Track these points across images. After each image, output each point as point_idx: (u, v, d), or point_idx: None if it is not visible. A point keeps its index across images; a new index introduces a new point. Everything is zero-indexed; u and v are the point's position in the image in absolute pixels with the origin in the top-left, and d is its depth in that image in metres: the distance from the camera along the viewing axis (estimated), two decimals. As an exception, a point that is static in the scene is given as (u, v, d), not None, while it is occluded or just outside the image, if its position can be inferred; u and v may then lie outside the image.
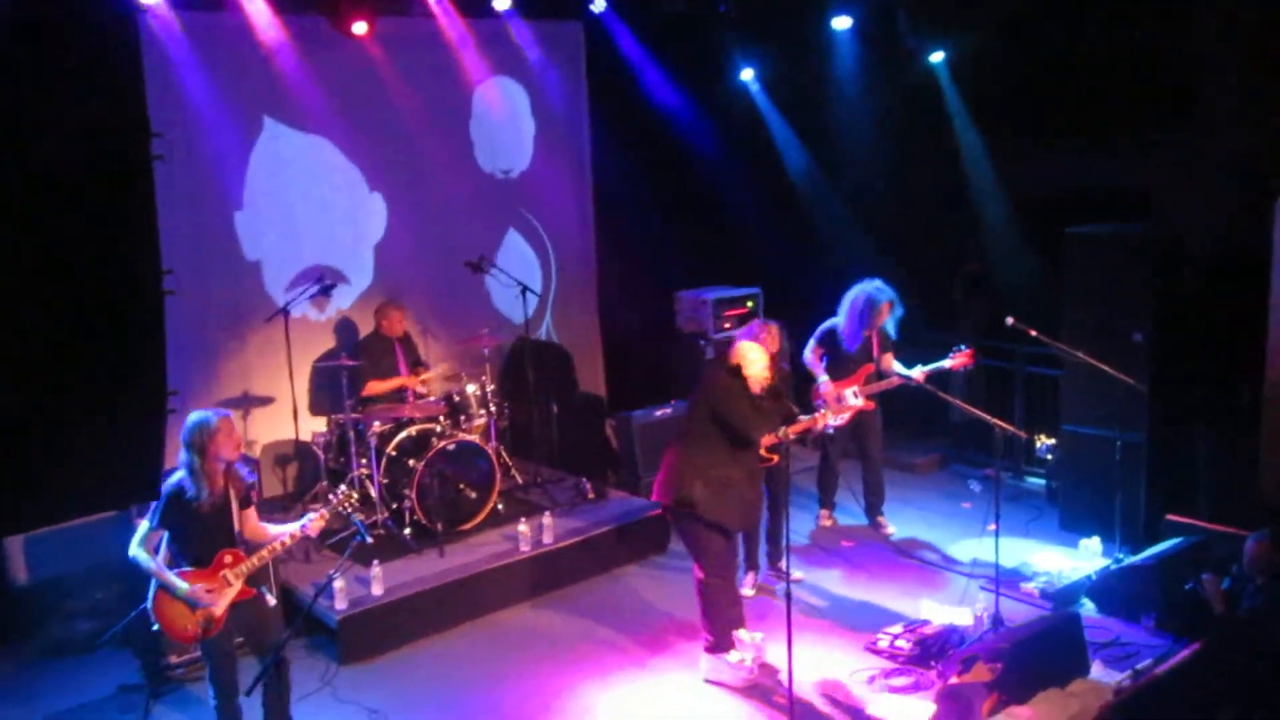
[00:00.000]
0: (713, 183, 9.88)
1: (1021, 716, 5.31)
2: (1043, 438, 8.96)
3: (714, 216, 9.98)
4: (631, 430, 8.44)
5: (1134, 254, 7.47)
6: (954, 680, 5.47)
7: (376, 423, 7.69)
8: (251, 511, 5.28)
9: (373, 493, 7.65)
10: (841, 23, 9.23)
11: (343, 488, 5.59)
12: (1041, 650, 5.68)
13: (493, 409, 8.23)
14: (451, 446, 7.54)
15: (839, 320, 7.73)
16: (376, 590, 6.68)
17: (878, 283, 7.68)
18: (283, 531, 5.28)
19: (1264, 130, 7.24)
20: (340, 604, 6.53)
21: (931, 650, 6.16)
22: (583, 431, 9.53)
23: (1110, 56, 8.14)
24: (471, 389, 8.15)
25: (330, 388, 8.05)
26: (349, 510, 5.31)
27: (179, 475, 5.04)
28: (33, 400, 2.22)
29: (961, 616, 6.52)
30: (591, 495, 8.26)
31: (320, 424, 8.31)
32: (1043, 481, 8.92)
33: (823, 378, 7.63)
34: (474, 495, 7.66)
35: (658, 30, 9.51)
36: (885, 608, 6.90)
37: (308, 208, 8.51)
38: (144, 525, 5.05)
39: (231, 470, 5.14)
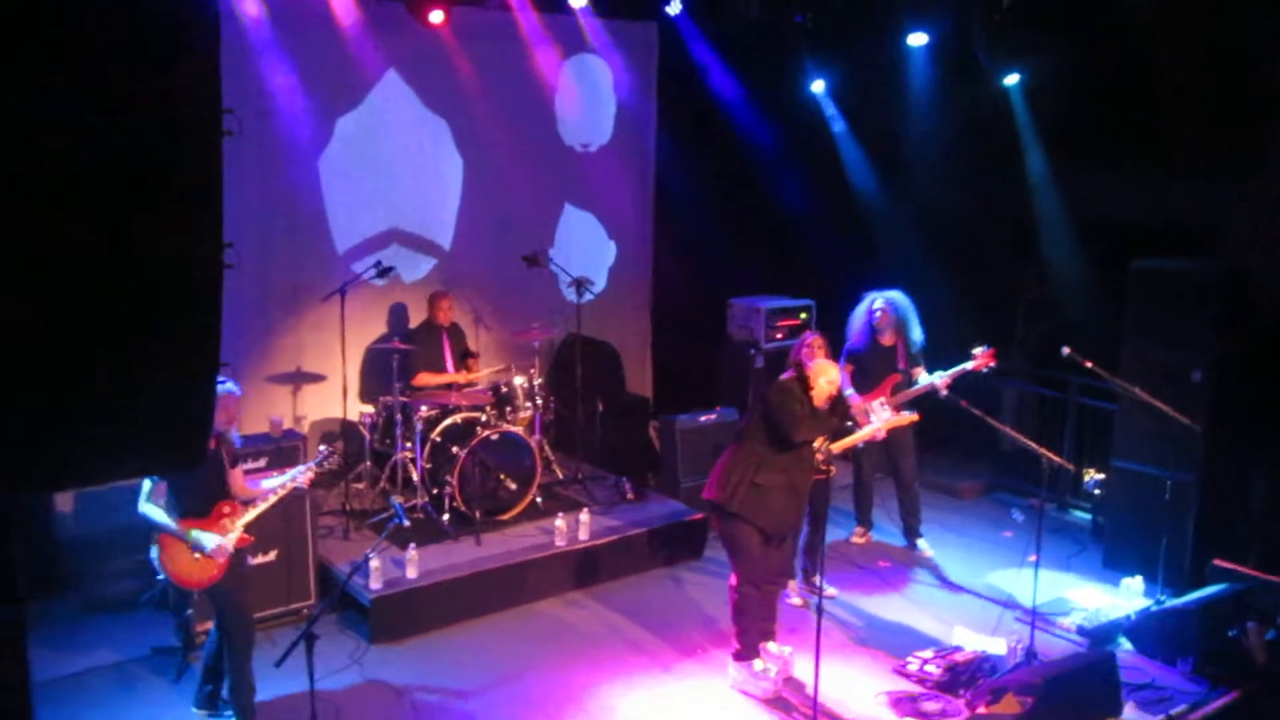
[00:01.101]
0: (775, 192, 9.85)
1: (1048, 752, 5.24)
2: (1091, 471, 8.81)
3: (773, 225, 9.94)
4: (675, 434, 8.43)
5: (1198, 291, 7.33)
6: (982, 710, 5.43)
7: (424, 407, 7.77)
8: (237, 471, 5.60)
9: (415, 476, 7.73)
10: (917, 39, 9.15)
11: (324, 448, 5.91)
12: (1074, 688, 5.59)
13: (539, 402, 8.28)
14: (495, 436, 7.59)
15: (850, 335, 7.84)
16: (411, 573, 6.75)
17: (892, 291, 7.74)
18: (275, 484, 5.65)
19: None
20: (375, 584, 6.60)
21: (961, 678, 6.08)
22: (626, 432, 9.53)
23: (1186, 89, 7.99)
24: (519, 381, 8.20)
25: (381, 370, 8.15)
26: (334, 467, 5.57)
27: None
28: (88, 365, 2.27)
29: (995, 646, 6.45)
30: (630, 496, 8.27)
31: (367, 408, 8.41)
32: (1088, 516, 8.78)
33: (849, 391, 7.59)
34: (514, 486, 7.71)
35: (732, 36, 9.50)
36: (917, 631, 6.84)
37: (378, 186, 8.65)
38: (147, 483, 5.32)
39: (224, 434, 5.45)
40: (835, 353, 7.52)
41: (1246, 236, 7.69)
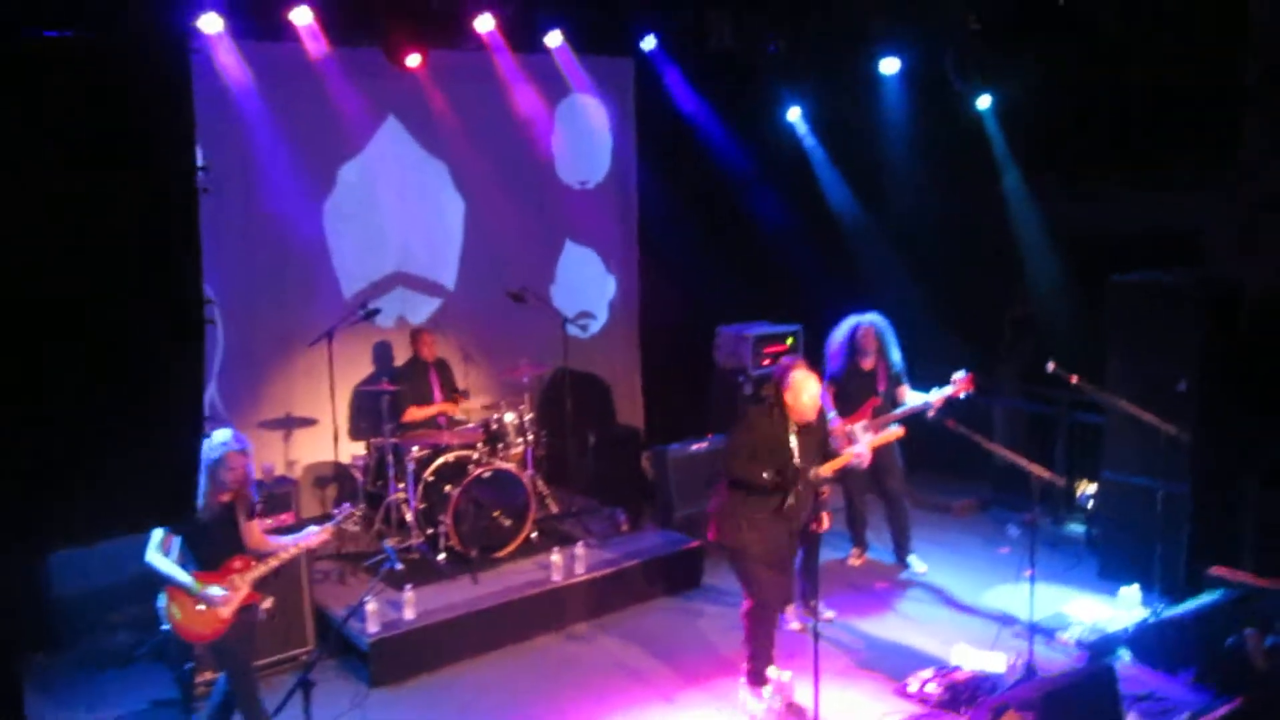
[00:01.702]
0: (757, 220, 9.94)
1: (1051, 768, 5.23)
2: (1084, 484, 8.87)
3: (757, 254, 10.02)
4: (667, 464, 8.46)
5: (1179, 301, 7.40)
6: (984, 728, 5.42)
7: (415, 448, 7.78)
8: (255, 524, 5.54)
9: (409, 517, 7.73)
10: (889, 65, 9.26)
11: (347, 506, 5.86)
12: (1073, 702, 5.58)
13: (530, 437, 8.30)
14: (488, 474, 7.61)
15: (829, 359, 7.84)
16: (409, 614, 6.73)
17: (870, 314, 7.78)
18: (288, 541, 5.58)
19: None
20: (373, 627, 6.59)
21: (962, 696, 6.08)
22: (619, 463, 9.55)
23: (1155, 100, 8.11)
24: (510, 417, 8.22)
25: (370, 412, 8.17)
26: (353, 528, 5.53)
27: None
28: (72, 426, 2.31)
29: (994, 663, 6.45)
30: (625, 527, 8.29)
31: (359, 448, 8.42)
32: (1083, 528, 8.80)
33: (831, 414, 7.62)
34: (508, 523, 7.72)
35: (707, 69, 9.61)
36: (917, 650, 6.83)
37: (382, 230, 8.78)
38: (157, 532, 5.28)
39: (243, 486, 5.40)
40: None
41: (1223, 244, 7.78)
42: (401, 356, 8.68)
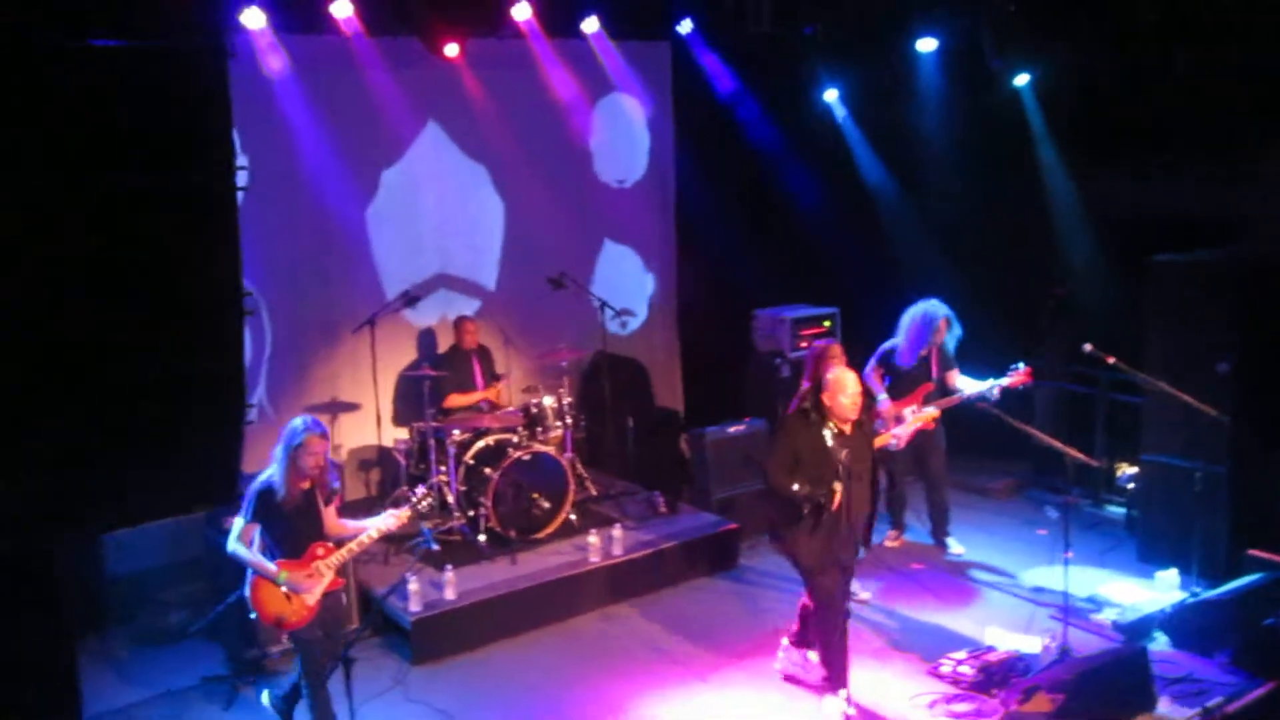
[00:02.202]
0: (794, 202, 9.94)
1: (1081, 749, 5.27)
2: (1124, 466, 8.82)
3: (794, 235, 10.02)
4: (705, 446, 8.52)
5: (1219, 282, 7.34)
6: (1014, 709, 5.47)
7: (456, 431, 7.93)
8: (332, 510, 5.54)
9: (450, 499, 7.88)
10: (926, 45, 9.22)
11: (421, 489, 5.86)
12: (1105, 683, 5.62)
13: (569, 421, 8.41)
14: (527, 457, 7.73)
15: (898, 340, 7.77)
16: (450, 594, 6.89)
17: (934, 301, 7.71)
18: (368, 525, 5.53)
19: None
20: (415, 606, 6.75)
21: (995, 677, 6.11)
22: (658, 446, 9.65)
23: (1196, 80, 8.00)
24: (549, 401, 8.33)
25: (414, 397, 8.33)
26: (428, 509, 5.58)
27: (269, 472, 5.33)
28: (123, 415, 2.45)
29: (1029, 645, 6.47)
30: (663, 509, 8.38)
31: (403, 432, 8.59)
32: (1122, 510, 8.76)
33: (882, 396, 7.64)
34: (547, 505, 7.84)
35: (744, 51, 9.62)
36: (951, 632, 6.87)
37: (423, 232, 8.90)
38: (238, 521, 5.30)
39: (322, 472, 5.38)
40: (857, 362, 7.61)
41: (1265, 225, 7.68)
42: (444, 344, 8.82)
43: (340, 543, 5.47)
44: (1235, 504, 7.32)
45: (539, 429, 8.21)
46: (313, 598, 5.32)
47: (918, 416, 7.21)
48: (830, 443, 5.63)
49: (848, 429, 5.70)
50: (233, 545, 5.27)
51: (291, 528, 5.32)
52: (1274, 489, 7.46)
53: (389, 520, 5.54)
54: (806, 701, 6.10)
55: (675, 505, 8.46)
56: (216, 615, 6.60)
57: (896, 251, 10.17)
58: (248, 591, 5.35)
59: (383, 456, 8.61)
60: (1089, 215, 9.16)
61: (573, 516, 8.03)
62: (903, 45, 9.34)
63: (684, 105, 10.05)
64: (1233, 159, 7.93)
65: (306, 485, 5.34)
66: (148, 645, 6.98)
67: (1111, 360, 7.04)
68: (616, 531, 7.66)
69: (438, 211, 8.97)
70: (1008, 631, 6.74)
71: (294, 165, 8.10)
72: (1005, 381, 7.45)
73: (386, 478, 8.65)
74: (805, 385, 6.79)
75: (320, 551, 5.37)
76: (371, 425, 8.20)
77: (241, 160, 7.48)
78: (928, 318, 7.64)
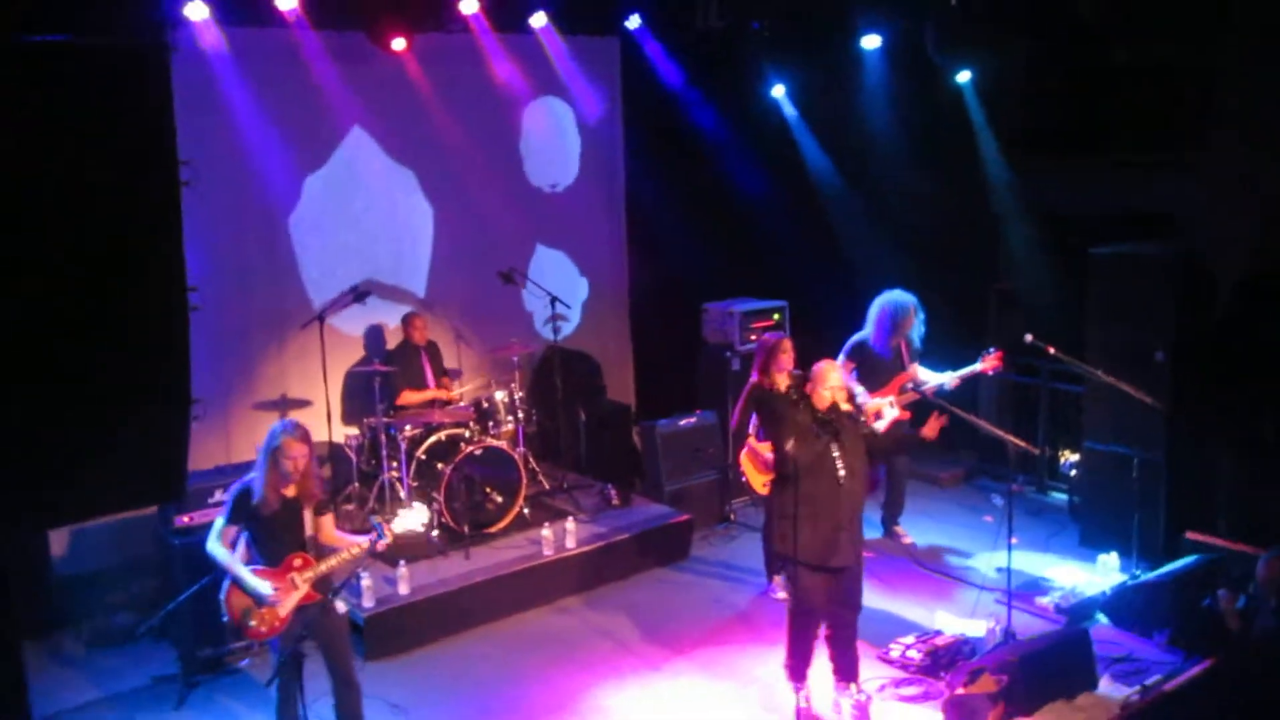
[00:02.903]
0: (742, 196, 10.01)
1: (1026, 728, 5.41)
2: (1066, 454, 9.02)
3: (743, 229, 10.10)
4: (656, 439, 8.59)
5: (1157, 273, 7.53)
6: (960, 691, 5.59)
7: (407, 427, 7.92)
8: (328, 519, 5.37)
9: (402, 495, 7.88)
10: (871, 41, 9.34)
11: (418, 504, 5.67)
12: (1049, 664, 5.77)
13: (521, 415, 8.43)
14: (479, 451, 7.74)
15: (868, 332, 7.83)
16: (403, 589, 6.89)
17: (899, 290, 7.80)
18: (351, 542, 5.35)
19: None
20: (368, 602, 6.74)
21: (942, 661, 6.25)
22: (610, 439, 9.70)
23: (1134, 76, 8.19)
24: (500, 396, 8.35)
25: (363, 393, 8.30)
26: (419, 528, 5.44)
27: (251, 475, 5.24)
28: (63, 409, 2.43)
29: (975, 628, 6.62)
30: (616, 502, 8.43)
31: (353, 429, 8.55)
32: (1065, 497, 8.96)
33: (859, 389, 7.71)
34: (500, 499, 7.86)
35: (691, 47, 9.67)
36: (900, 618, 7.00)
37: (350, 219, 8.78)
38: (219, 521, 5.23)
39: (306, 479, 5.23)
40: (806, 356, 7.69)
41: (1199, 221, 7.88)
42: (393, 340, 8.79)
43: (322, 556, 5.29)
44: (1172, 489, 7.52)
45: (491, 424, 8.22)
46: (284, 609, 5.15)
47: (890, 418, 7.22)
48: (816, 429, 5.57)
49: (840, 424, 5.64)
50: (211, 544, 5.20)
51: (270, 535, 5.19)
52: (1209, 474, 7.69)
53: (376, 540, 5.29)
54: (757, 689, 6.18)
55: (627, 498, 8.51)
56: (166, 615, 6.54)
57: (843, 245, 10.29)
58: (223, 594, 5.22)
59: (334, 453, 8.56)
60: (1031, 209, 9.34)
61: (525, 510, 8.06)
62: (848, 42, 9.45)
63: (633, 100, 10.09)
64: (1170, 153, 8.12)
65: (291, 493, 5.20)
66: (97, 646, 6.92)
67: (1052, 351, 7.20)
68: (569, 525, 7.70)
69: (369, 213, 8.84)
70: (955, 616, 6.89)
71: (238, 161, 8.04)
72: (976, 367, 7.48)
73: (338, 474, 8.62)
74: (754, 377, 6.90)
75: (298, 563, 5.20)
76: (322, 421, 8.16)
77: (185, 155, 7.44)
78: (898, 305, 7.72)
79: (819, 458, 5.53)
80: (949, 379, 7.53)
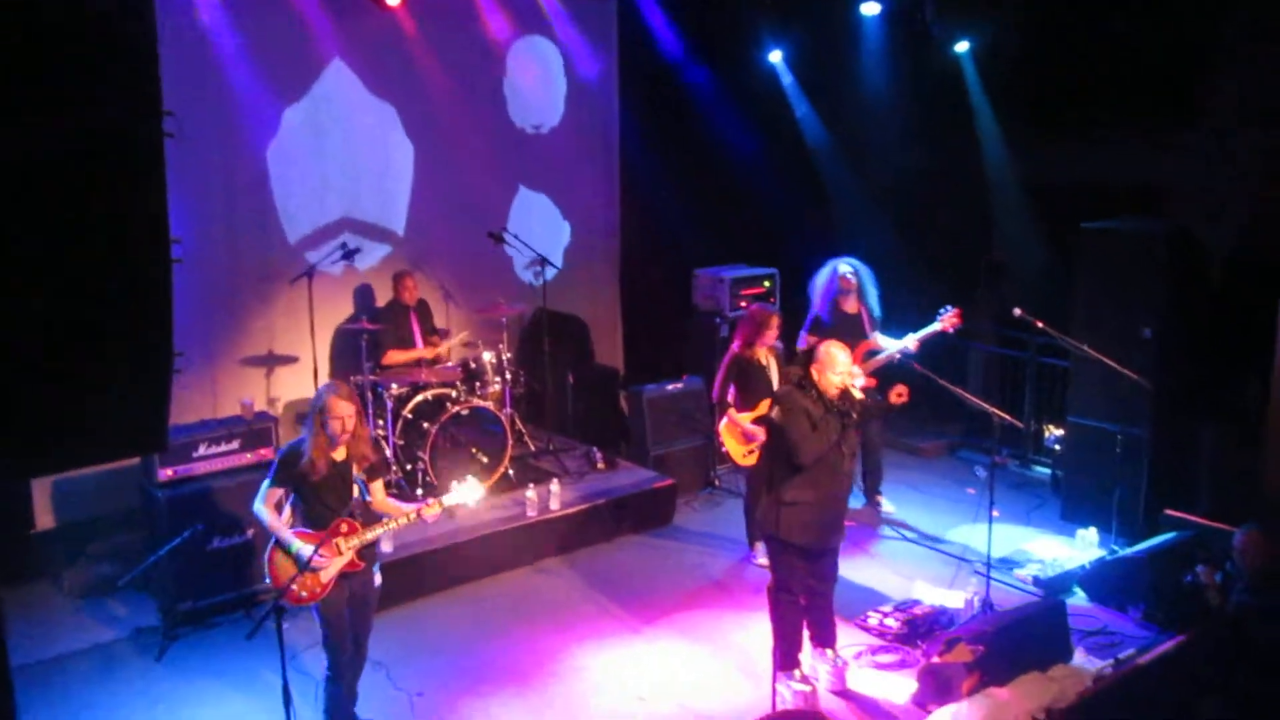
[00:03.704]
0: (736, 162, 9.97)
1: (1000, 697, 5.46)
2: (1051, 428, 9.06)
3: (736, 196, 10.07)
4: (642, 404, 8.60)
5: (1146, 250, 7.52)
6: (936, 660, 5.65)
7: (394, 385, 7.91)
8: (379, 484, 5.29)
9: (388, 453, 7.88)
10: (870, 8, 9.27)
11: (470, 478, 5.39)
12: (1024, 635, 5.82)
13: (508, 376, 8.42)
14: (465, 411, 7.74)
15: (814, 303, 7.85)
16: (386, 547, 6.88)
17: (844, 258, 7.80)
18: (400, 510, 5.26)
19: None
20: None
21: (919, 630, 6.31)
22: (597, 402, 9.71)
23: (1132, 51, 8.15)
24: (488, 356, 8.33)
25: (350, 350, 8.28)
26: (462, 505, 5.33)
27: (301, 436, 5.14)
28: (45, 359, 2.41)
29: (953, 599, 6.67)
30: (601, 465, 8.45)
31: (340, 384, 8.53)
32: (1049, 471, 9.01)
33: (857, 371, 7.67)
34: (485, 459, 7.87)
35: (689, 9, 9.59)
36: (879, 588, 7.05)
37: (338, 168, 8.71)
38: (265, 483, 5.11)
39: (357, 440, 5.12)
40: (793, 327, 7.71)
41: (1191, 195, 7.88)
42: (382, 297, 8.75)
43: (371, 523, 5.17)
44: (1155, 466, 7.56)
45: (478, 384, 8.21)
46: (326, 575, 5.03)
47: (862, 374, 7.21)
48: (824, 411, 5.49)
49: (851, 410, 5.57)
50: (257, 506, 5.10)
51: (317, 498, 5.05)
52: (1192, 451, 7.73)
53: (423, 510, 5.19)
54: (735, 654, 6.24)
55: (613, 461, 8.54)
56: (148, 567, 6.55)
57: (836, 213, 10.27)
58: (266, 556, 5.12)
59: (319, 410, 8.55)
60: (1024, 182, 9.32)
61: (510, 471, 8.08)
62: (847, 8, 9.39)
63: (629, 62, 10.01)
64: (1164, 127, 8.10)
65: (340, 456, 5.07)
66: (79, 597, 6.94)
67: (1040, 324, 7.21)
68: (554, 486, 7.72)
69: (344, 153, 8.73)
70: (934, 586, 6.94)
71: (224, 111, 7.96)
72: (936, 326, 7.43)
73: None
74: (735, 347, 6.82)
75: (343, 529, 5.06)
76: (308, 378, 8.14)
77: (172, 106, 7.38)
78: (833, 270, 7.73)
79: (831, 448, 5.47)
80: (909, 342, 7.49)
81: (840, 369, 5.50)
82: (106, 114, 2.30)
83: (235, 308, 8.31)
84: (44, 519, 7.49)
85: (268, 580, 5.18)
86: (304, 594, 5.03)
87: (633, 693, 5.90)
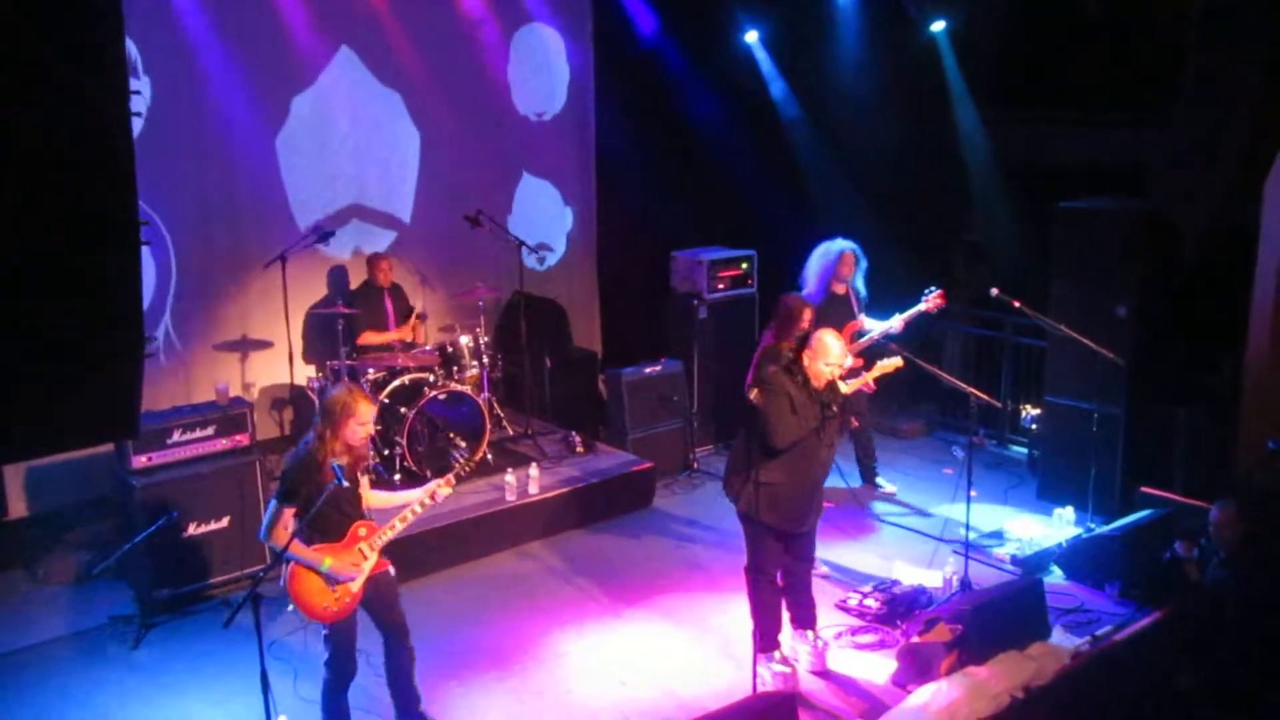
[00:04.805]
0: (712, 144, 9.93)
1: (978, 676, 5.48)
2: (1028, 408, 9.10)
3: (713, 178, 10.02)
4: (621, 387, 8.57)
5: (1120, 229, 7.56)
6: (916, 639, 5.67)
7: (371, 370, 7.85)
8: (366, 481, 5.10)
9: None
10: (846, -12, 9.26)
11: (463, 447, 5.20)
12: (1002, 614, 5.85)
13: (486, 360, 8.38)
14: (443, 396, 7.70)
15: (807, 285, 7.80)
16: (364, 533, 6.86)
17: (838, 239, 7.77)
18: (411, 499, 5.10)
19: (1253, 109, 7.28)
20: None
21: (899, 610, 6.33)
22: (575, 386, 9.69)
23: (1107, 33, 8.17)
24: (465, 340, 8.28)
25: (325, 334, 8.21)
26: (469, 472, 5.14)
27: (302, 449, 4.86)
28: (10, 344, 2.36)
29: (932, 579, 6.70)
30: (580, 449, 8.43)
31: (313, 370, 8.48)
32: (1025, 450, 9.06)
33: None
34: (463, 444, 7.83)
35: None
36: (859, 568, 7.07)
37: (336, 162, 8.69)
38: (273, 505, 4.78)
39: (362, 445, 4.93)
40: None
41: (1165, 174, 7.91)
42: (356, 280, 8.69)
43: (382, 521, 4.97)
44: (1130, 444, 7.62)
45: (455, 368, 8.17)
46: (358, 584, 4.83)
47: (881, 366, 7.13)
48: (808, 398, 5.45)
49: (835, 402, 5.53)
50: (275, 536, 4.73)
51: (334, 508, 4.78)
52: (1167, 429, 7.79)
53: (435, 490, 5.08)
54: (716, 636, 6.24)
55: (591, 445, 8.52)
56: (122, 555, 6.49)
57: (814, 195, 10.26)
58: (285, 583, 4.78)
59: (295, 395, 8.50)
60: (1000, 162, 9.34)
61: (489, 456, 8.04)
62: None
63: (605, 43, 9.96)
64: (1139, 108, 8.13)
65: (345, 460, 4.78)
66: (54, 585, 6.87)
67: (1017, 304, 7.23)
68: (533, 471, 7.70)
69: (351, 140, 8.77)
70: (912, 566, 6.97)
71: (200, 94, 7.89)
72: (920, 307, 7.46)
73: (300, 416, 8.55)
74: (768, 339, 6.27)
75: (363, 532, 4.85)
76: (283, 363, 8.08)
77: (141, 85, 7.28)
78: (827, 250, 7.70)
79: (812, 433, 5.45)
80: (894, 322, 7.52)
81: (832, 359, 5.45)
82: (70, 93, 2.25)
83: (208, 292, 8.25)
84: (17, 507, 7.43)
85: (291, 609, 4.86)
86: (335, 609, 4.81)
87: (614, 676, 5.90)
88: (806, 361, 5.49)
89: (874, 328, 7.65)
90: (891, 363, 6.50)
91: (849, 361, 5.75)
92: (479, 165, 9.37)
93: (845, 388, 5.80)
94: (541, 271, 9.90)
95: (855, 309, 7.78)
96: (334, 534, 4.82)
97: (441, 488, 5.10)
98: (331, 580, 4.76)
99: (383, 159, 8.98)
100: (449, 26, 9.01)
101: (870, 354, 7.32)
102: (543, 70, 9.79)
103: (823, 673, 5.85)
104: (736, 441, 5.82)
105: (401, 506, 5.07)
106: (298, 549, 4.70)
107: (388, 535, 4.96)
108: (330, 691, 5.07)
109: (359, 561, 4.84)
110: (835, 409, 5.54)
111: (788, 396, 5.39)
